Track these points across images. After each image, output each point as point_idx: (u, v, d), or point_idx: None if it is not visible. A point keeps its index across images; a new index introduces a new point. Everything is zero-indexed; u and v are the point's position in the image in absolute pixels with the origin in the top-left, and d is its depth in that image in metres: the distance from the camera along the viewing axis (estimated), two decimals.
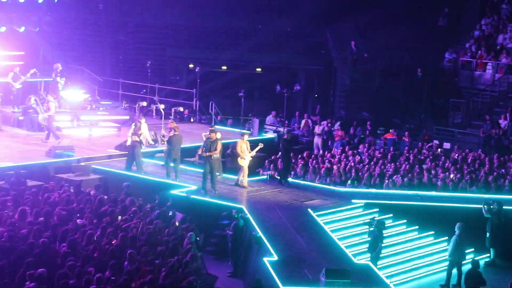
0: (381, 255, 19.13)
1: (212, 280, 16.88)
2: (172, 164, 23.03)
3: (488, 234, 21.54)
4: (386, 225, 19.76)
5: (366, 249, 19.30)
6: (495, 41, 35.68)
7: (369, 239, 19.20)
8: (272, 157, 26.32)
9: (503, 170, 26.08)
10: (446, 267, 20.00)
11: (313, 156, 28.29)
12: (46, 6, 31.82)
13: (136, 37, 38.19)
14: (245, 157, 22.63)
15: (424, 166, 26.47)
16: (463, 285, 18.30)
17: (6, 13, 30.42)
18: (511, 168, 26.27)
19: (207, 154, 21.72)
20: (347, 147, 29.49)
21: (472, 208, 21.95)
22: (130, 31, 38.35)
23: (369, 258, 18.89)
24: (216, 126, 26.97)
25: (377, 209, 21.90)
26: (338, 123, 32.81)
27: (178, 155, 22.99)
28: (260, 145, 23.37)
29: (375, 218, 19.80)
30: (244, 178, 22.79)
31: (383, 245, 19.16)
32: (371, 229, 19.10)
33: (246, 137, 23.07)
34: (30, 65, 30.90)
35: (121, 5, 37.96)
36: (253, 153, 22.98)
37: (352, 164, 26.12)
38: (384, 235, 19.34)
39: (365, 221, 19.93)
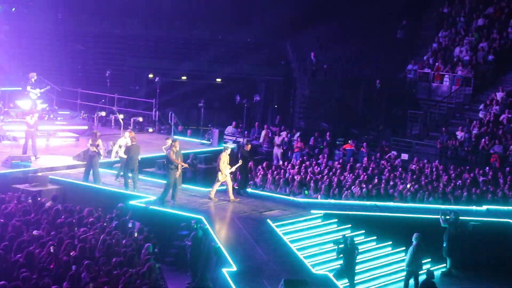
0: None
1: None
2: (130, 175, 22.86)
3: (444, 244, 21.77)
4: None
5: (337, 268, 19.18)
6: (452, 54, 36.21)
7: (341, 259, 19.04)
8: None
9: (459, 181, 26.43)
10: (404, 278, 20.15)
11: (273, 166, 28.40)
12: (3, 15, 31.49)
13: (95, 46, 37.98)
14: (226, 172, 22.44)
15: (382, 177, 26.72)
16: None
17: None
18: (467, 179, 26.63)
19: (182, 165, 21.72)
20: (305, 157, 29.66)
21: (429, 219, 22.15)
22: (89, 41, 38.12)
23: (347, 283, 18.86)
24: (175, 136, 26.90)
25: (336, 219, 21.99)
26: (298, 133, 32.96)
27: (136, 165, 22.82)
28: (240, 163, 23.24)
29: (346, 235, 19.67)
30: (230, 191, 22.61)
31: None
32: (341, 246, 18.99)
33: (228, 151, 22.87)
34: None
35: (80, 15, 37.74)
36: (233, 169, 22.79)
37: (311, 175, 26.26)
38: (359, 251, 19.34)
39: (336, 239, 19.74)
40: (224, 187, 24.52)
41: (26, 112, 28.44)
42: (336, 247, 19.17)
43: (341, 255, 18.99)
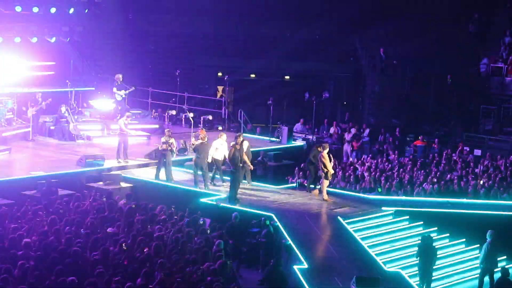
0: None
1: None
2: (199, 173, 23.11)
3: None
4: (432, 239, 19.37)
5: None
6: None
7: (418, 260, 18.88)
8: (302, 165, 26.29)
9: None
10: (478, 275, 19.82)
11: (342, 163, 28.27)
12: (76, 17, 32.13)
13: (165, 46, 38.40)
14: (329, 169, 22.42)
15: (455, 173, 26.31)
16: None
17: (37, 24, 30.80)
18: None
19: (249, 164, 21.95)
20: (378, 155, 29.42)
21: (504, 215, 21.74)
22: (159, 40, 38.58)
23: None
24: (245, 134, 27.02)
25: (407, 216, 21.78)
26: (368, 130, 32.72)
27: (205, 163, 23.04)
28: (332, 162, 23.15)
29: (428, 235, 19.41)
30: (323, 190, 22.62)
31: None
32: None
33: (327, 149, 22.72)
34: (61, 75, 31.28)
35: (150, 15, 38.22)
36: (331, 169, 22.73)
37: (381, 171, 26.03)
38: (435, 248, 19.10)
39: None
40: (293, 184, 24.60)
41: (110, 115, 29.11)
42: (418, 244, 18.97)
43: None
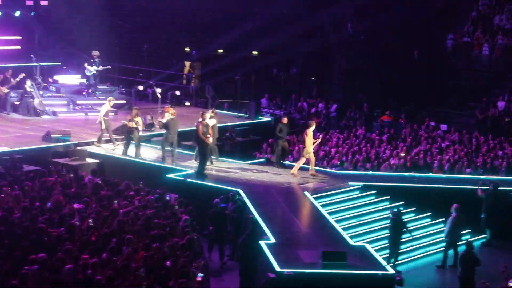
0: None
1: (208, 263, 16.93)
2: (168, 148, 23.04)
3: (483, 215, 21.62)
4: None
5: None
6: (492, 22, 35.60)
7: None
8: (270, 140, 26.32)
9: (500, 152, 26.13)
10: (443, 249, 20.08)
11: None
12: None
13: (132, 20, 38.04)
14: (311, 148, 22.42)
15: (421, 148, 26.52)
16: (459, 266, 18.35)
17: None
18: (507, 149, 26.30)
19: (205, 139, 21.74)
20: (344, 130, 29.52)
21: (468, 189, 21.99)
22: (126, 15, 38.20)
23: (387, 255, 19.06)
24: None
25: (374, 191, 21.94)
26: (335, 105, 32.81)
27: (175, 139, 22.99)
28: (319, 139, 23.33)
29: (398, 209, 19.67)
30: (297, 165, 22.71)
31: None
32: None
33: (313, 127, 22.77)
34: (26, 50, 30.87)
35: None
36: (314, 146, 22.77)
37: (348, 147, 26.15)
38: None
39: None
40: (261, 160, 24.65)
41: (76, 90, 28.74)
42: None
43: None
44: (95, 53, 29.27)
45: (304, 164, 22.79)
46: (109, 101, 24.79)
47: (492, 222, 21.68)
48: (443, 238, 20.06)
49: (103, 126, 24.22)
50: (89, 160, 23.01)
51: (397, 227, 19.13)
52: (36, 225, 15.44)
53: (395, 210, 19.53)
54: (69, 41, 34.93)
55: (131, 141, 23.42)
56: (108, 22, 37.55)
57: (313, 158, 22.74)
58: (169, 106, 25.28)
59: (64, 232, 15.30)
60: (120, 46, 37.19)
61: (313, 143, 22.52)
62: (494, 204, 21.57)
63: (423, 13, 36.76)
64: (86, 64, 29.12)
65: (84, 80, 30.30)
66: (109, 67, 29.79)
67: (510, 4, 35.66)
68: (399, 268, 18.98)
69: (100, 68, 29.21)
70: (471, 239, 19.52)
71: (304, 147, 22.48)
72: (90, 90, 29.67)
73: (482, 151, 26.23)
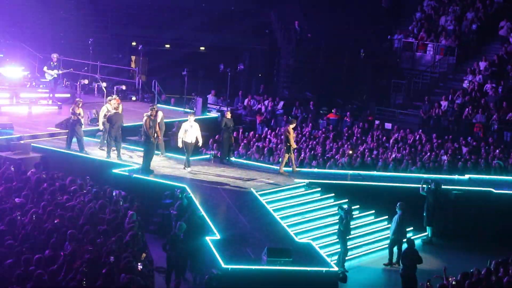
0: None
1: (152, 259, 16.84)
2: (113, 143, 22.80)
3: (424, 213, 21.96)
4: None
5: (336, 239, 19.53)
6: (436, 23, 36.15)
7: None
8: (216, 137, 26.28)
9: (442, 151, 26.56)
10: (387, 246, 20.33)
11: (256, 135, 28.41)
12: None
13: (78, 14, 37.53)
14: (292, 144, 22.48)
15: (366, 146, 26.80)
16: (401, 263, 18.60)
17: None
18: (450, 149, 26.75)
19: (156, 135, 21.59)
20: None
21: (411, 188, 22.29)
22: (72, 8, 37.67)
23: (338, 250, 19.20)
24: (159, 105, 26.80)
25: (319, 188, 22.08)
26: (282, 103, 32.92)
27: (119, 133, 22.75)
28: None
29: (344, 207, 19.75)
30: (282, 163, 22.83)
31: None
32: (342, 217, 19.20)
33: (294, 124, 22.94)
34: None
35: None
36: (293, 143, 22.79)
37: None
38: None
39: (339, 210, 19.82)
40: (207, 156, 24.59)
41: (19, 83, 28.08)
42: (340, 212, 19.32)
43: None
44: (55, 55, 28.62)
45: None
46: (109, 101, 23.65)
47: (433, 220, 22.04)
48: (389, 235, 20.28)
49: (101, 127, 23.49)
50: (32, 154, 22.63)
51: (346, 225, 19.24)
52: None
53: (345, 207, 19.60)
54: (13, 33, 34.30)
55: (75, 135, 23.10)
56: (52, 15, 36.99)
57: (293, 156, 22.79)
58: (117, 97, 24.72)
59: (5, 227, 15.04)
60: (65, 39, 36.65)
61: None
62: (436, 202, 21.92)
63: (370, 12, 37.16)
64: (45, 68, 28.41)
65: (27, 73, 29.75)
66: (71, 69, 29.24)
67: (454, 6, 36.26)
68: (346, 266, 19.18)
69: (61, 71, 28.67)
70: (413, 237, 19.82)
71: (289, 145, 22.48)
72: (50, 95, 28.73)
73: (425, 150, 26.62)
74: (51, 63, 28.31)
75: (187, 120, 22.67)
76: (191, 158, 22.73)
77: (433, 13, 36.78)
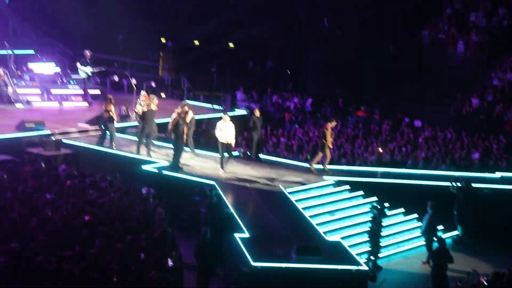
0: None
1: (181, 256, 16.89)
2: (144, 140, 22.93)
3: (455, 211, 21.78)
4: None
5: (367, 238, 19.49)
6: (467, 19, 35.81)
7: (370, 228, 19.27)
8: (245, 134, 26.29)
9: (473, 149, 26.33)
10: (417, 245, 20.22)
11: (285, 133, 28.38)
12: None
13: (108, 10, 37.71)
14: (327, 143, 22.47)
15: (395, 144, 26.65)
16: (432, 262, 18.48)
17: None
18: (481, 146, 26.52)
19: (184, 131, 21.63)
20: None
21: (441, 186, 22.12)
22: (102, 4, 37.86)
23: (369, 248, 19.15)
24: (188, 101, 26.85)
25: (348, 186, 22.01)
26: (310, 100, 32.84)
27: (151, 130, 22.88)
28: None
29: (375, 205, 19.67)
30: (325, 162, 22.80)
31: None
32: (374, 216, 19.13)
33: (334, 123, 22.90)
34: (0, 37, 30.52)
35: None
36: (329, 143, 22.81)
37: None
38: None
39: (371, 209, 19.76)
40: (235, 153, 24.60)
41: (50, 79, 28.15)
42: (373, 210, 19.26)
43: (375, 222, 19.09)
44: (88, 52, 28.80)
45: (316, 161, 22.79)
46: (152, 99, 23.29)
47: (463, 218, 21.86)
48: (418, 234, 20.15)
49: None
50: (63, 151, 22.80)
51: (379, 224, 19.16)
52: (9, 215, 15.28)
53: (377, 205, 19.49)
54: (44, 30, 34.58)
55: (107, 132, 23.27)
56: (83, 11, 37.22)
57: (328, 155, 22.75)
58: (149, 94, 24.81)
59: (36, 223, 15.18)
60: (96, 36, 36.87)
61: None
62: (466, 201, 21.73)
63: (399, 8, 36.90)
64: (78, 64, 28.62)
65: (59, 70, 29.95)
66: (104, 68, 29.43)
67: (485, 1, 35.89)
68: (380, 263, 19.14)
69: (96, 70, 28.87)
70: (443, 236, 19.68)
71: (324, 142, 22.45)
72: (84, 93, 28.73)
73: (456, 148, 26.41)
74: (85, 59, 28.48)
75: (221, 119, 22.44)
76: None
77: (464, 9, 36.44)
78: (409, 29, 36.61)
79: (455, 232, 21.99)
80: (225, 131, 22.02)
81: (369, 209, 19.64)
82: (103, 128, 23.37)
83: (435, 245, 18.81)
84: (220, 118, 22.46)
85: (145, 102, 23.31)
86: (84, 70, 28.45)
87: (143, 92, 25.07)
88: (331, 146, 22.84)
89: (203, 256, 17.02)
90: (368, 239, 19.30)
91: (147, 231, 15.83)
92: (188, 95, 31.06)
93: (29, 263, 13.21)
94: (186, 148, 22.96)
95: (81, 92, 28.79)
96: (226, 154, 22.13)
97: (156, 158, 22.71)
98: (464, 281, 16.05)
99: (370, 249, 19.20)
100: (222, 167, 22.03)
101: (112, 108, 23.31)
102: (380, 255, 19.58)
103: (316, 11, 37.47)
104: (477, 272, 15.90)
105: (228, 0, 38.10)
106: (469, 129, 28.79)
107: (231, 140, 22.14)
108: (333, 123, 22.96)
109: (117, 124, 24.38)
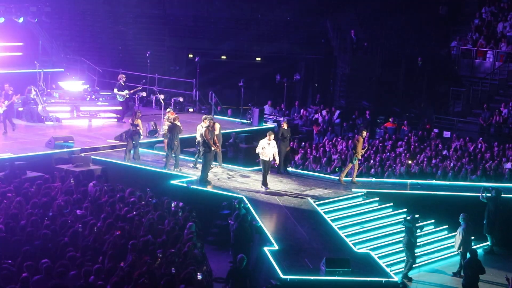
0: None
1: (211, 270, 16.89)
2: (173, 155, 23.03)
3: (485, 221, 21.56)
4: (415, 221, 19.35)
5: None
6: (495, 30, 35.62)
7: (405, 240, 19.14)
8: None
9: (504, 159, 26.10)
10: (448, 255, 20.07)
11: (313, 145, 28.35)
12: None
13: (135, 27, 38.08)
14: (359, 156, 22.53)
15: (424, 155, 26.49)
16: (463, 273, 18.29)
17: (5, 3, 30.38)
18: (511, 157, 26.27)
19: (215, 146, 21.70)
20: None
21: (472, 196, 21.92)
22: (130, 22, 38.25)
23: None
24: (216, 116, 26.94)
25: (378, 198, 21.91)
26: (338, 112, 32.81)
27: (175, 144, 22.97)
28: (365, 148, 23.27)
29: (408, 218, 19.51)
30: (354, 174, 22.79)
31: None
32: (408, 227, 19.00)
33: (364, 134, 22.76)
34: (29, 56, 30.93)
35: None
36: (363, 152, 22.88)
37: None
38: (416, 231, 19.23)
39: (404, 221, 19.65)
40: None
41: (79, 97, 28.45)
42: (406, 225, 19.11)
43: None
44: (122, 76, 29.21)
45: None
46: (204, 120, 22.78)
47: (493, 228, 21.64)
48: (450, 245, 19.91)
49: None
50: (93, 167, 22.99)
51: (411, 234, 19.02)
52: (39, 231, 15.40)
53: (409, 217, 19.34)
54: (73, 48, 34.98)
55: (133, 146, 23.45)
56: (111, 29, 37.62)
57: (356, 166, 22.72)
58: (170, 109, 25.02)
59: (68, 239, 15.28)
60: (123, 52, 37.23)
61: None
62: (497, 210, 21.52)
63: (427, 20, 36.81)
64: (115, 90, 29.00)
65: (87, 87, 30.26)
66: (140, 88, 29.80)
67: None
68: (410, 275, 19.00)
69: (132, 91, 29.22)
70: (474, 247, 19.48)
71: (355, 153, 22.45)
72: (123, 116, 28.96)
73: (485, 158, 26.19)
74: (120, 83, 28.81)
75: (266, 138, 22.05)
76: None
77: (492, 19, 36.24)
78: (437, 40, 36.49)
79: (486, 243, 21.75)
80: (268, 149, 21.77)
81: (403, 222, 19.41)
82: (131, 142, 23.52)
83: (467, 256, 18.60)
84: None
85: (169, 117, 23.43)
86: (122, 94, 28.75)
87: (168, 109, 25.21)
88: (360, 157, 22.75)
89: (236, 282, 16.87)
90: (404, 250, 19.13)
91: (177, 245, 15.86)
92: (216, 109, 31.17)
93: (61, 279, 13.29)
94: (214, 162, 23.02)
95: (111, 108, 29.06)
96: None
97: (185, 172, 22.77)
98: None
99: (406, 260, 19.04)
100: (264, 184, 21.85)
101: (140, 122, 23.48)
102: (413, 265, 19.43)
103: (343, 24, 37.48)
104: (508, 279, 15.67)
105: (256, 14, 38.25)
106: (499, 139, 28.54)
107: (274, 158, 21.99)
108: (364, 134, 22.85)
109: (145, 140, 24.51)
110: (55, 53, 33.06)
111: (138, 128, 23.38)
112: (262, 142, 21.93)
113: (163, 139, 24.05)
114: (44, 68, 29.85)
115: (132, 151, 23.46)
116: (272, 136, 22.02)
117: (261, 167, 22.41)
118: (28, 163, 22.16)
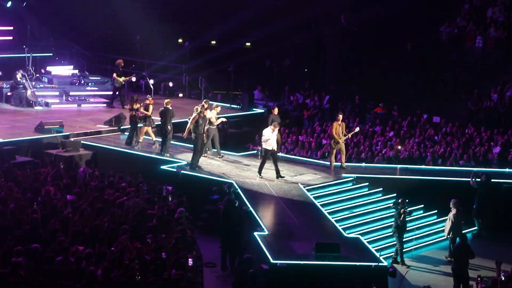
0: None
1: (201, 255, 16.93)
2: (158, 139, 23.01)
3: (474, 206, 21.67)
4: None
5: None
6: (485, 14, 35.60)
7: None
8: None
9: (492, 144, 26.18)
10: (437, 240, 20.15)
11: (303, 130, 28.35)
12: None
13: (125, 11, 37.82)
14: (340, 140, 22.47)
15: (414, 140, 26.55)
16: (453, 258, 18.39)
17: None
18: (500, 141, 26.36)
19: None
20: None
21: (461, 181, 22.02)
22: (119, 6, 37.99)
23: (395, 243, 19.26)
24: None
25: (367, 183, 21.97)
26: (327, 97, 32.79)
27: (168, 129, 22.93)
28: (357, 129, 23.48)
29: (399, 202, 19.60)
30: (342, 159, 22.80)
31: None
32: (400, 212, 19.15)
33: (340, 120, 22.76)
34: (18, 40, 30.75)
35: None
36: (349, 135, 22.96)
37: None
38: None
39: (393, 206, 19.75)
40: (253, 151, 24.58)
41: (68, 81, 28.28)
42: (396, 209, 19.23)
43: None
44: (120, 61, 29.04)
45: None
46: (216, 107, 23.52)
47: (482, 213, 21.76)
48: (445, 236, 20.00)
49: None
50: (82, 151, 22.94)
51: (403, 220, 19.11)
52: (29, 216, 15.37)
53: (400, 201, 19.42)
54: (62, 32, 34.77)
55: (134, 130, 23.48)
56: (99, 13, 37.36)
57: (343, 150, 22.73)
58: (149, 97, 24.80)
59: (57, 224, 15.26)
60: (112, 37, 37.02)
61: (345, 135, 22.58)
62: (486, 195, 21.63)
63: (416, 4, 36.73)
64: (115, 75, 28.78)
65: (77, 71, 30.14)
66: (134, 75, 29.62)
67: None
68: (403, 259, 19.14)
69: (128, 78, 29.04)
70: (464, 231, 19.59)
71: (333, 138, 22.52)
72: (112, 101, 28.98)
73: (474, 143, 26.28)
74: (118, 69, 28.67)
75: (269, 128, 21.89)
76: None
77: (482, 4, 36.21)
78: (426, 25, 36.44)
79: (474, 227, 21.87)
80: (272, 139, 21.63)
81: (393, 206, 19.52)
82: (132, 126, 23.53)
83: (457, 240, 18.70)
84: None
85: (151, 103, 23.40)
86: (119, 80, 28.61)
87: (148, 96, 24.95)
88: (341, 141, 22.59)
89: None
90: (393, 235, 19.25)
91: (167, 230, 15.86)
92: (206, 94, 31.11)
93: (50, 264, 13.28)
94: (213, 149, 23.05)
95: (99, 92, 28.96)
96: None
97: (175, 157, 22.76)
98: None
99: (396, 245, 19.16)
100: (260, 172, 21.78)
101: (139, 106, 23.41)
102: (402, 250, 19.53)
103: (333, 9, 37.37)
104: (498, 263, 15.75)
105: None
106: (488, 124, 28.62)
107: (276, 147, 21.90)
108: (339, 117, 22.75)
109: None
110: (44, 38, 32.85)
111: (138, 112, 23.25)
112: (267, 132, 21.69)
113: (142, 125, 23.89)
114: (33, 53, 29.69)
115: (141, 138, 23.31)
116: (277, 127, 21.85)
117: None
118: (17, 148, 22.09)
